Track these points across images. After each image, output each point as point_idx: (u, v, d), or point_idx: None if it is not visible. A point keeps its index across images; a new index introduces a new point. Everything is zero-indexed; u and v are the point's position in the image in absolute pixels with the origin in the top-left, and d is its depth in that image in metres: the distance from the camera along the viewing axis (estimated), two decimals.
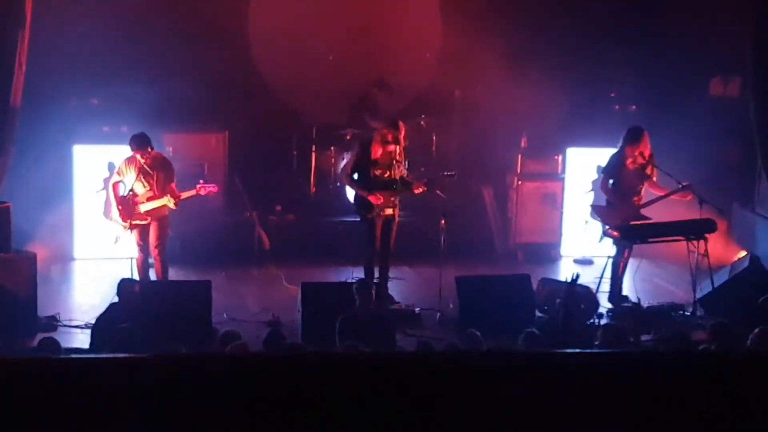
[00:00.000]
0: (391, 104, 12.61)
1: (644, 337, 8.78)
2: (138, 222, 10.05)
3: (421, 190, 10.07)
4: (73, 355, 6.27)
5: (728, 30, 10.78)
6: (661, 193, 10.25)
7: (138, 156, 9.90)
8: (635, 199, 10.29)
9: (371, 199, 9.98)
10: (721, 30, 11.23)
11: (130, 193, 10.03)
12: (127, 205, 10.00)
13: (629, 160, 10.15)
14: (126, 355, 5.88)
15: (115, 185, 10.10)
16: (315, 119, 12.84)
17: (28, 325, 9.21)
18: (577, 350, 6.61)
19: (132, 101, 11.32)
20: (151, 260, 10.36)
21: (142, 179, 9.99)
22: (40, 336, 8.47)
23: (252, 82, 12.72)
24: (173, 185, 10.09)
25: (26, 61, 9.70)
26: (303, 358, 5.57)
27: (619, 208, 10.26)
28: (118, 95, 11.56)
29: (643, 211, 10.36)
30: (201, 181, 10.20)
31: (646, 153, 10.16)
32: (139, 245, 10.13)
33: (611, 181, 10.32)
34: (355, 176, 10.12)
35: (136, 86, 11.48)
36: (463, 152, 12.70)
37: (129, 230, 10.06)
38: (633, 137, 10.14)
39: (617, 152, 10.27)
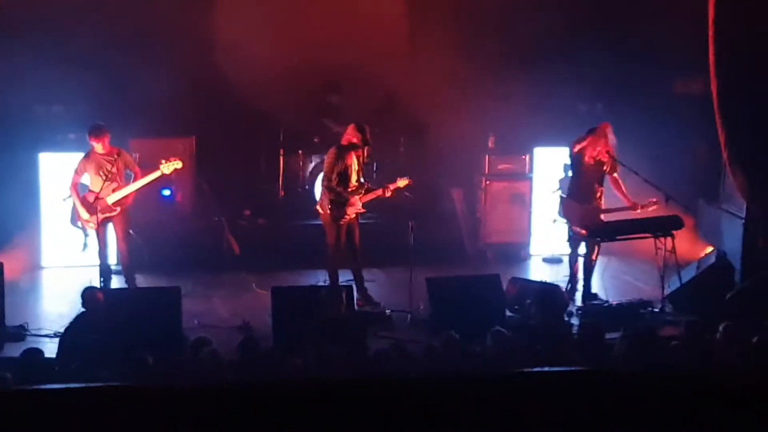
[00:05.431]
0: (359, 105, 12.61)
1: (613, 335, 8.82)
2: (108, 215, 10.17)
3: (389, 194, 10.21)
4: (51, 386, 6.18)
5: (692, 28, 10.87)
6: (623, 196, 10.39)
7: (96, 144, 10.06)
8: (596, 197, 10.39)
9: (352, 201, 10.11)
10: (686, 28, 11.31)
11: (92, 191, 10.17)
12: (92, 202, 10.07)
13: (588, 156, 10.27)
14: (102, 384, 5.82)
15: (75, 186, 10.22)
16: (282, 123, 12.81)
17: None
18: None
19: (98, 107, 11.26)
20: (114, 267, 10.50)
21: (103, 173, 10.09)
22: (7, 346, 8.43)
23: (218, 86, 12.65)
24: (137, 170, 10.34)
25: None
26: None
27: (581, 207, 10.36)
28: (83, 102, 11.49)
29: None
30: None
31: (607, 149, 10.28)
32: (101, 250, 10.23)
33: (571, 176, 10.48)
34: (334, 182, 10.19)
35: (101, 92, 11.41)
36: (432, 153, 12.72)
37: (97, 229, 10.12)
38: (593, 131, 10.28)
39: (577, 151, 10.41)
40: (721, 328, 7.55)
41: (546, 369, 6.13)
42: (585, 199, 10.38)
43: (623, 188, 10.45)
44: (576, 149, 10.33)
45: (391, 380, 5.96)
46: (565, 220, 10.65)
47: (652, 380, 5.34)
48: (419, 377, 6.24)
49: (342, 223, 10.18)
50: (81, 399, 4.80)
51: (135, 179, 10.28)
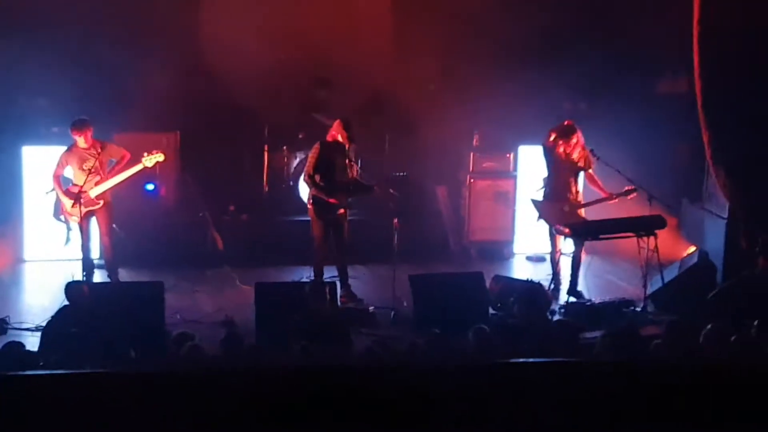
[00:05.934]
0: (344, 102, 12.60)
1: (595, 333, 8.84)
2: (91, 208, 10.14)
3: (382, 190, 10.23)
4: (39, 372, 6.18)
5: (677, 29, 10.91)
6: (599, 189, 10.43)
7: (78, 138, 10.05)
8: (572, 194, 10.42)
9: (331, 200, 10.08)
10: (670, 28, 11.36)
11: (75, 184, 10.14)
12: (75, 195, 10.02)
13: (561, 151, 10.32)
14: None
15: (57, 177, 10.20)
16: (267, 118, 12.79)
17: None
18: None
19: (82, 101, 11.22)
20: (96, 261, 10.47)
21: (86, 167, 10.07)
22: None
23: (203, 82, 12.61)
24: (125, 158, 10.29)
25: None
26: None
27: (556, 205, 10.39)
28: (67, 95, 11.44)
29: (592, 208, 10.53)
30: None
31: (578, 146, 10.33)
32: (84, 243, 10.21)
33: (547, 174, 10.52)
34: (316, 177, 10.16)
35: (86, 86, 11.38)
36: (416, 151, 12.73)
37: (80, 222, 10.10)
38: (562, 130, 10.38)
39: (550, 144, 10.47)
40: (706, 328, 7.56)
41: (529, 360, 6.14)
42: (562, 197, 10.41)
43: (599, 183, 10.50)
44: (551, 139, 10.38)
45: (375, 373, 5.98)
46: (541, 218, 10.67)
47: (637, 371, 5.36)
48: (402, 369, 6.25)
49: (325, 219, 10.18)
50: (60, 386, 4.80)
51: (122, 162, 10.23)
